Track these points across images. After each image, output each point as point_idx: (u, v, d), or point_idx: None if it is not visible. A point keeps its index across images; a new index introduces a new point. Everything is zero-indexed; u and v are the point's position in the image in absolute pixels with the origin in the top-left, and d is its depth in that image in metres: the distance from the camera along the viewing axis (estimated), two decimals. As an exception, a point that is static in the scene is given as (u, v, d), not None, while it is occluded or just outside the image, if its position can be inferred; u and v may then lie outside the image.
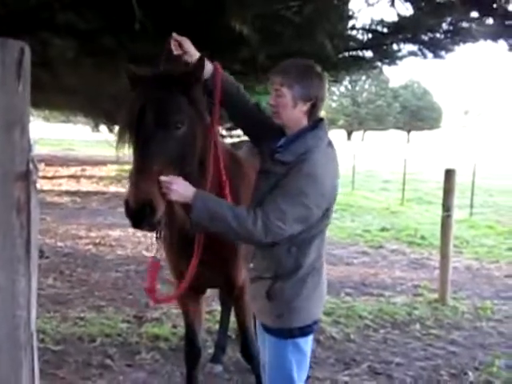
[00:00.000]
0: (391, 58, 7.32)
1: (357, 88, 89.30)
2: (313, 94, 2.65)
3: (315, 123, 2.73)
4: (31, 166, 2.05)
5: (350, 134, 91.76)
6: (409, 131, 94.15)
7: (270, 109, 2.75)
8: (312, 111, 2.70)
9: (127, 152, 2.75)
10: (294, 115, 2.68)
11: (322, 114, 2.88)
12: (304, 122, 2.71)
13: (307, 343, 2.79)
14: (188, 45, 2.82)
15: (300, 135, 2.68)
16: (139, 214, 2.46)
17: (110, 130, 21.70)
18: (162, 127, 2.59)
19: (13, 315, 2.05)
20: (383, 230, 11.81)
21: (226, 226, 2.52)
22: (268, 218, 2.48)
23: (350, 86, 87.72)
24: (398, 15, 5.64)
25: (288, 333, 2.72)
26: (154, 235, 2.96)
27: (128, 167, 21.80)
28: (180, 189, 2.55)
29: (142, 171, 2.49)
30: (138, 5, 3.70)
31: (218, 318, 5.24)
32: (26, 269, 2.03)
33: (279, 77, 2.66)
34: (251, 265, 2.78)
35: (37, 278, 2.13)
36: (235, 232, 2.52)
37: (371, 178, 25.10)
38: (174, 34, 2.80)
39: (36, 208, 2.08)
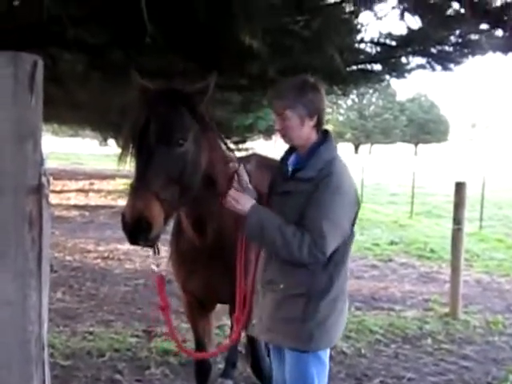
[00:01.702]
0: (400, 70, 7.31)
1: (364, 101, 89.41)
2: (316, 107, 2.71)
3: (324, 136, 2.79)
4: (43, 179, 2.04)
5: (357, 148, 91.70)
6: (416, 144, 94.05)
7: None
8: (318, 125, 2.76)
9: (129, 166, 2.75)
10: (304, 133, 2.73)
11: (329, 127, 2.92)
12: (313, 136, 2.77)
13: (327, 354, 2.80)
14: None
15: (314, 150, 2.72)
16: (135, 228, 2.45)
17: (119, 144, 21.83)
18: (163, 143, 2.58)
19: (24, 329, 2.04)
20: (392, 243, 11.76)
21: (273, 245, 2.57)
22: (315, 244, 2.51)
23: (357, 100, 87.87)
24: (408, 28, 5.63)
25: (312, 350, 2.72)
26: (152, 250, 2.93)
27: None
28: (241, 200, 2.65)
29: (140, 186, 2.49)
30: (148, 19, 3.71)
31: (228, 332, 5.20)
32: (38, 283, 2.02)
33: (279, 101, 2.73)
34: (281, 286, 2.70)
35: (48, 292, 2.12)
36: (281, 251, 2.56)
37: (379, 191, 25.03)
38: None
39: (48, 222, 2.07)
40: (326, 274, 2.64)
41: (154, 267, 3.01)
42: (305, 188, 2.60)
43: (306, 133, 2.72)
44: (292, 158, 2.85)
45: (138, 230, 2.44)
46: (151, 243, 2.63)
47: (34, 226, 1.99)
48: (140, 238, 2.48)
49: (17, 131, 1.92)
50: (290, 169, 2.81)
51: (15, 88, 1.89)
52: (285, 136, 2.76)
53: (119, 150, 2.77)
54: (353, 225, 2.73)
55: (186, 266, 3.37)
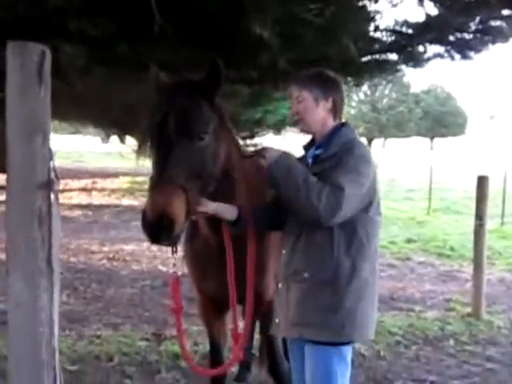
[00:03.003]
0: (416, 60, 7.29)
1: (377, 94, 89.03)
2: (332, 92, 2.85)
3: (342, 125, 2.88)
4: (52, 175, 2.04)
5: (370, 142, 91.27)
6: (432, 138, 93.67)
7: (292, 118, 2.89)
8: (334, 111, 2.86)
9: (147, 161, 2.76)
10: (319, 115, 2.84)
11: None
12: (330, 121, 2.87)
13: (350, 352, 2.81)
14: None
15: (333, 132, 2.83)
16: (157, 226, 2.43)
17: (122, 141, 21.80)
18: (184, 137, 2.60)
19: (34, 333, 2.04)
20: (410, 241, 11.73)
21: (296, 189, 2.60)
22: (334, 193, 2.55)
23: (369, 92, 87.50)
24: (426, 15, 5.60)
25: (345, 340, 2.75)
26: (171, 249, 2.92)
27: (141, 179, 21.90)
28: (275, 152, 2.74)
29: (161, 181, 2.48)
30: (156, 8, 3.71)
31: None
32: (49, 283, 2.01)
33: (297, 85, 2.87)
34: (305, 274, 2.74)
35: (59, 292, 2.11)
36: (301, 197, 2.58)
37: (395, 187, 24.95)
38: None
39: (57, 219, 2.06)
40: (349, 259, 2.67)
41: (172, 267, 3.00)
42: (330, 165, 2.68)
43: (322, 116, 2.83)
44: (311, 151, 2.91)
45: (160, 227, 2.42)
46: (173, 242, 2.63)
47: (44, 223, 1.99)
48: (162, 236, 2.47)
49: (25, 125, 1.91)
50: (310, 161, 2.87)
51: (22, 79, 1.88)
52: (300, 120, 2.86)
53: (137, 145, 2.79)
54: (374, 207, 2.76)
55: (201, 265, 3.36)
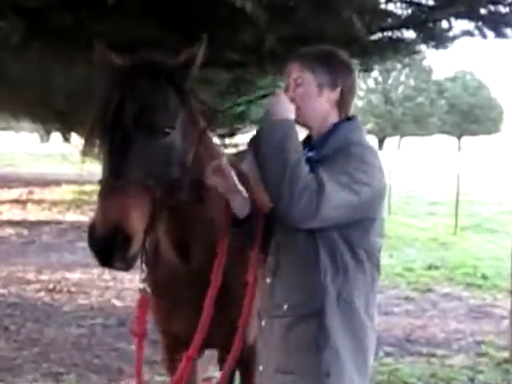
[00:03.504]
0: (439, 39, 7.32)
1: (390, 81, 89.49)
2: (342, 79, 2.80)
3: (347, 120, 2.84)
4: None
5: (381, 142, 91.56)
6: (459, 137, 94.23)
7: None
8: (341, 104, 2.82)
9: (96, 165, 2.75)
10: (321, 107, 2.80)
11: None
12: (333, 117, 2.83)
13: None
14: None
15: (331, 131, 2.78)
16: (109, 243, 2.41)
17: (66, 139, 21.69)
18: (145, 131, 2.59)
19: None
20: (431, 267, 11.77)
21: (283, 167, 2.50)
22: (315, 190, 2.47)
23: (381, 78, 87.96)
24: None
25: None
26: (140, 258, 2.92)
27: (90, 188, 21.80)
28: (278, 106, 2.66)
29: (115, 188, 2.47)
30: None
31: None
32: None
33: (297, 62, 2.82)
34: (285, 306, 2.72)
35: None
36: (281, 180, 2.49)
37: (412, 199, 25.07)
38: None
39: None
40: (336, 288, 2.65)
41: (140, 284, 3.03)
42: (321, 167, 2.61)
43: (324, 108, 2.80)
44: (306, 151, 2.83)
45: (113, 244, 2.41)
46: (129, 264, 2.57)
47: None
48: (116, 256, 2.45)
49: None
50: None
51: None
52: (295, 110, 2.76)
53: (83, 142, 2.76)
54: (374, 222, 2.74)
55: (166, 299, 3.35)
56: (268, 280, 2.86)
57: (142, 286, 3.03)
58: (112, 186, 2.48)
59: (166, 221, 2.94)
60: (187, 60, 2.79)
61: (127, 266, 2.57)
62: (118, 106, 2.60)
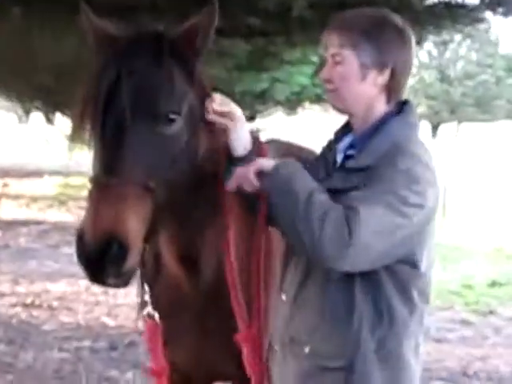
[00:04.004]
0: (507, 4, 7.32)
1: (447, 55, 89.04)
2: (390, 57, 2.67)
3: (399, 108, 2.74)
4: None
5: (435, 129, 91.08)
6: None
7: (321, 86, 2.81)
8: (391, 87, 2.71)
9: (86, 153, 2.76)
10: (364, 93, 2.69)
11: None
12: (380, 105, 2.73)
13: None
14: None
15: (379, 125, 2.68)
16: (100, 255, 2.39)
17: (49, 120, 21.79)
18: (145, 117, 2.57)
19: None
20: (494, 284, 11.67)
21: (293, 205, 2.48)
22: (346, 218, 2.41)
23: (435, 52, 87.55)
24: None
25: None
26: (140, 280, 2.93)
27: (77, 181, 21.86)
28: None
29: (108, 187, 2.45)
30: None
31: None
32: None
33: (336, 34, 2.70)
34: (306, 349, 2.67)
35: None
36: (296, 218, 2.46)
37: (473, 199, 24.93)
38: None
39: None
40: (376, 340, 2.61)
41: (147, 310, 3.04)
42: (358, 181, 2.56)
43: (369, 93, 2.70)
44: (345, 142, 2.82)
45: (105, 256, 2.39)
46: (124, 280, 2.55)
47: None
48: (109, 270, 2.43)
49: None
50: (339, 158, 2.78)
51: None
52: (333, 91, 2.74)
53: (70, 126, 2.75)
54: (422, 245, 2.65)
55: (167, 323, 3.34)
56: (283, 297, 2.82)
57: (145, 311, 3.04)
58: (105, 185, 2.46)
59: (170, 227, 2.93)
60: (196, 29, 2.74)
61: (122, 283, 2.54)
62: (111, 87, 2.58)
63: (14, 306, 9.29)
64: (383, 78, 2.67)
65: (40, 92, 16.77)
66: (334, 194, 2.56)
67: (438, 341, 8.56)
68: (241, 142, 2.73)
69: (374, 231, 2.40)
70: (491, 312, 10.10)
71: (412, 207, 2.46)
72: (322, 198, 2.47)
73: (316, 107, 24.93)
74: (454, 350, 8.19)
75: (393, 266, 2.55)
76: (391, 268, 2.55)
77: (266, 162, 2.63)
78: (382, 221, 2.42)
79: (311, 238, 2.40)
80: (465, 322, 9.53)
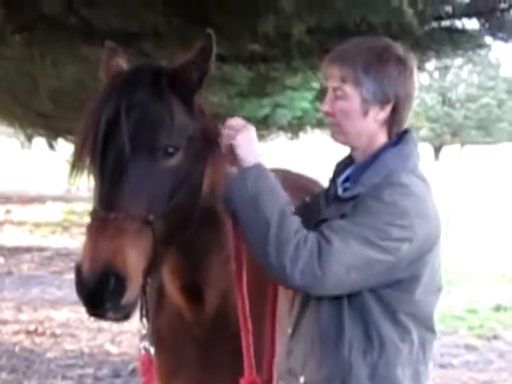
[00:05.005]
0: (508, 30, 7.31)
1: (448, 77, 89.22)
2: (392, 90, 2.68)
3: (399, 138, 2.75)
4: None
5: (438, 151, 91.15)
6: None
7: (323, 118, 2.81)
8: (392, 121, 2.72)
9: (85, 183, 2.76)
10: (365, 128, 2.71)
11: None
12: (381, 138, 2.75)
13: None
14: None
15: (374, 157, 2.69)
16: (98, 288, 2.40)
17: (51, 147, 21.81)
18: (144, 152, 2.59)
19: None
20: (499, 309, 11.69)
21: (262, 232, 2.48)
22: (318, 249, 2.41)
23: (437, 75, 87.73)
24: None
25: None
26: (140, 313, 2.91)
27: (80, 207, 21.88)
28: (244, 145, 2.65)
29: (107, 222, 2.47)
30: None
31: None
32: None
33: (337, 67, 2.71)
34: (302, 379, 2.69)
35: None
36: (267, 246, 2.45)
37: (476, 223, 24.90)
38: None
39: None
40: (368, 366, 2.60)
41: (144, 343, 3.01)
42: (345, 211, 2.58)
43: (370, 129, 2.72)
44: (347, 173, 2.83)
45: (103, 290, 2.40)
46: (124, 314, 2.57)
47: None
48: (108, 304, 2.44)
49: None
50: (340, 191, 2.77)
51: None
52: (335, 126, 2.76)
53: (71, 159, 2.74)
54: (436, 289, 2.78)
55: (169, 355, 3.32)
56: (289, 330, 2.85)
57: (142, 344, 3.01)
58: (103, 219, 2.47)
59: (173, 257, 2.93)
60: (192, 65, 2.76)
61: (122, 316, 2.57)
62: (109, 122, 2.59)
63: (17, 333, 9.34)
64: (385, 113, 2.69)
65: (42, 118, 16.78)
66: (323, 223, 2.59)
67: (442, 366, 8.56)
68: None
69: (346, 265, 2.42)
70: (495, 336, 10.14)
71: (396, 242, 2.46)
72: (294, 220, 2.50)
73: (317, 131, 25.09)
74: (459, 376, 8.19)
75: (379, 290, 2.55)
76: (377, 293, 2.55)
77: (245, 151, 2.67)
78: (356, 256, 2.42)
79: (283, 272, 2.44)
80: (469, 347, 9.54)
